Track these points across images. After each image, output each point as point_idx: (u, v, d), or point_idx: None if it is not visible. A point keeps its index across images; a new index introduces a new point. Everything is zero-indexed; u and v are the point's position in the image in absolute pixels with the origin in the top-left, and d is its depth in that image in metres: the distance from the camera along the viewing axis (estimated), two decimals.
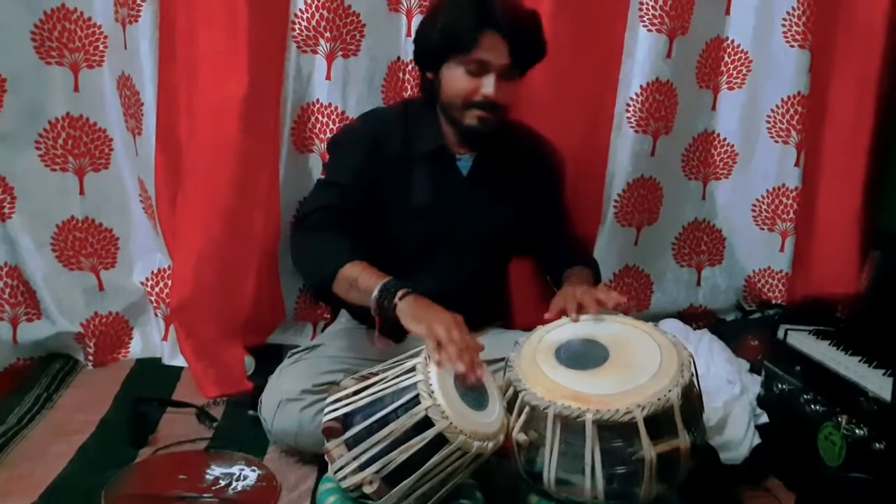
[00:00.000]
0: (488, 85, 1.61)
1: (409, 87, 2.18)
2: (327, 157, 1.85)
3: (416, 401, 1.27)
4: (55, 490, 1.52)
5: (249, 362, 2.12)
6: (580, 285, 1.59)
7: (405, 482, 1.27)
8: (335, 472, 1.31)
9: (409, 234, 1.74)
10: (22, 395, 1.92)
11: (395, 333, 1.53)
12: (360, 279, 1.51)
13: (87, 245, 2.16)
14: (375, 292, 1.46)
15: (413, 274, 1.53)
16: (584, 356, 1.39)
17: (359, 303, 1.52)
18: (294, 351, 1.79)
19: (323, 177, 1.80)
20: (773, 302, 2.47)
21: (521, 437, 1.34)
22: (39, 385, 1.99)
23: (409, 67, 2.16)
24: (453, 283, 1.70)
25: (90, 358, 2.14)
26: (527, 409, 1.33)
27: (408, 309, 1.42)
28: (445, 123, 1.72)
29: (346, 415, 1.33)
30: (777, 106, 2.36)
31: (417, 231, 1.74)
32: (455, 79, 1.64)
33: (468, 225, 1.77)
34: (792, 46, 2.28)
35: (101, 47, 2.08)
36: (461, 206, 1.75)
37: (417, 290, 1.46)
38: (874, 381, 1.50)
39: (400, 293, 1.44)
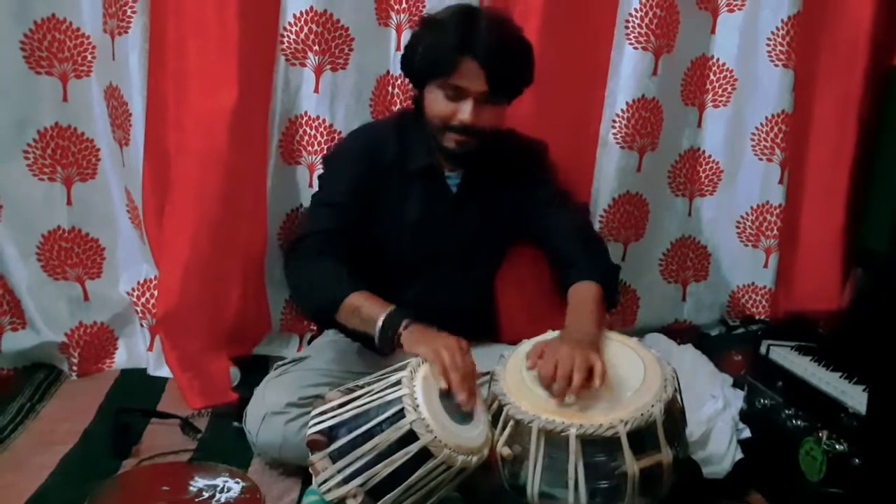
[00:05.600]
0: (465, 111, 1.62)
1: (398, 101, 2.18)
2: (322, 174, 1.85)
3: (400, 414, 1.28)
4: (37, 501, 1.51)
5: (235, 373, 2.11)
6: (568, 345, 1.41)
7: (389, 496, 1.27)
8: (319, 485, 1.31)
9: (398, 249, 1.75)
10: (5, 405, 1.91)
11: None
12: (363, 308, 1.51)
13: (72, 255, 2.14)
14: (379, 323, 1.47)
15: (402, 289, 1.53)
16: None
17: (360, 329, 1.53)
18: (280, 363, 1.79)
19: (317, 193, 1.81)
20: (757, 318, 2.48)
21: (506, 451, 1.34)
22: (23, 395, 1.98)
23: (399, 82, 2.17)
24: (441, 300, 1.71)
25: (74, 368, 2.13)
26: (511, 422, 1.34)
27: (412, 337, 1.43)
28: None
29: (330, 427, 1.33)
30: (761, 124, 2.37)
31: (406, 247, 1.75)
32: (435, 101, 1.65)
33: (455, 242, 1.78)
34: (776, 65, 2.30)
35: (88, 57, 2.07)
36: (449, 224, 1.76)
37: (419, 319, 1.46)
38: (854, 397, 1.51)
39: (404, 324, 1.45)
